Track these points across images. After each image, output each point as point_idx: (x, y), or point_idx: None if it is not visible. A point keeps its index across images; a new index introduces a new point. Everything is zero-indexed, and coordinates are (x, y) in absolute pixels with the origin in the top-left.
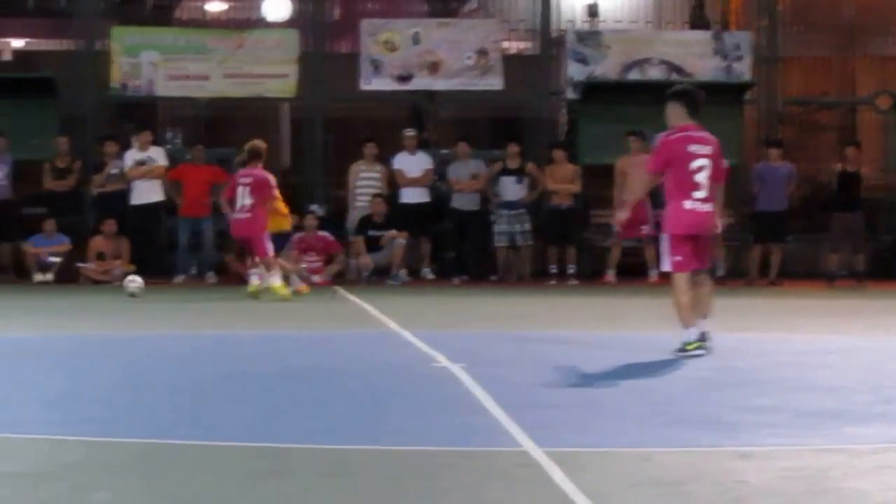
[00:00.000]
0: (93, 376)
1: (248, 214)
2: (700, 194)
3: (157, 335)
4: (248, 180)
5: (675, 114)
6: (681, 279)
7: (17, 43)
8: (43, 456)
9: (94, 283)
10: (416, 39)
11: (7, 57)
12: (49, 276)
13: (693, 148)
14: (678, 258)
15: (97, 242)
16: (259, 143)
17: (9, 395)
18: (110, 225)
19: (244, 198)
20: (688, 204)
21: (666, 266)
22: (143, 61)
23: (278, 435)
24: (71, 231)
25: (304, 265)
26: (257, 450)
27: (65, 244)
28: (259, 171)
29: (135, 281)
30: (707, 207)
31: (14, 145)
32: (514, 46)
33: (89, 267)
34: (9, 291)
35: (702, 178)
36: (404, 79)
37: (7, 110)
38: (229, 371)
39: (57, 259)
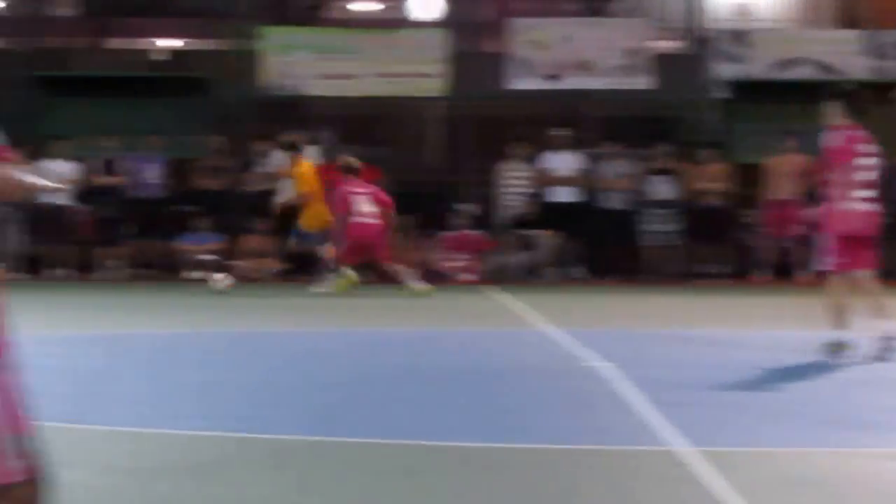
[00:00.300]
0: (241, 372)
1: (378, 221)
2: (863, 194)
3: (305, 332)
4: (366, 191)
5: (835, 113)
6: (836, 280)
7: (171, 43)
8: (191, 452)
9: (245, 280)
10: (565, 38)
11: (161, 56)
12: (201, 274)
13: (858, 147)
14: (836, 259)
15: (249, 241)
16: (354, 160)
17: (159, 390)
18: (264, 223)
19: (366, 205)
20: (850, 204)
21: (822, 265)
22: (294, 61)
23: (423, 433)
24: (223, 229)
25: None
26: (402, 447)
27: (217, 242)
28: (367, 184)
29: (220, 278)
30: (869, 207)
31: (167, 144)
32: (662, 45)
33: (241, 265)
34: (160, 288)
35: (865, 177)
36: (553, 78)
37: (161, 110)
38: (377, 369)
39: (209, 257)
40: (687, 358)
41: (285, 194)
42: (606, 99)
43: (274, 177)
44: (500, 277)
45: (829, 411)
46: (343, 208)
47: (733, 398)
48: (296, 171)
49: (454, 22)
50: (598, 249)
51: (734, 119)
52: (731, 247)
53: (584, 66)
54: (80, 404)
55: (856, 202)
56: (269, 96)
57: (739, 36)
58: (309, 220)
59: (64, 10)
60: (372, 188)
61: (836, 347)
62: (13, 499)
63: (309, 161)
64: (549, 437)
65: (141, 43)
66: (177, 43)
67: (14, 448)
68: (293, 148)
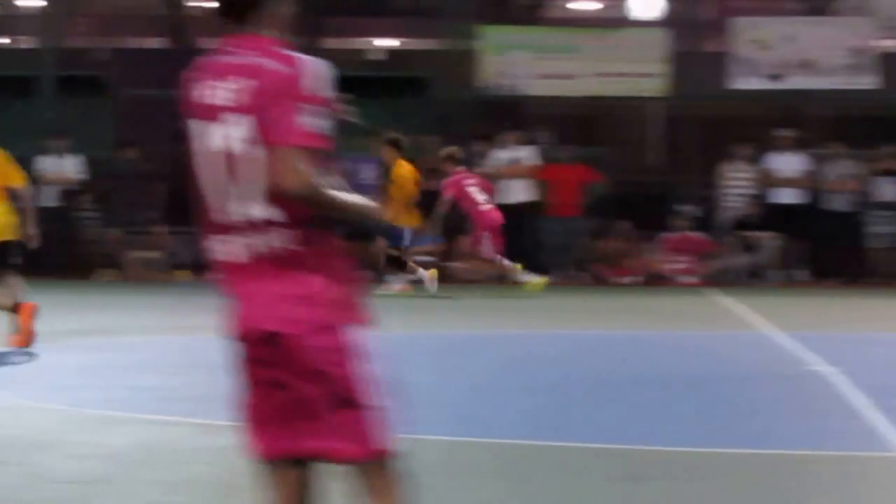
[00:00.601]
0: (457, 375)
1: (496, 206)
2: None
3: (522, 334)
4: (474, 181)
5: None
6: None
7: (389, 42)
8: (407, 455)
9: (464, 282)
10: (788, 38)
11: (378, 56)
12: (417, 276)
13: None
14: None
15: (467, 242)
16: (458, 151)
17: None
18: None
19: (480, 195)
20: None
21: None
22: (513, 60)
23: (646, 437)
24: (441, 230)
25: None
26: (624, 452)
27: (434, 244)
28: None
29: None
30: None
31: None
32: (888, 44)
33: (460, 266)
34: (372, 289)
35: None
36: (776, 77)
37: (377, 110)
38: (595, 372)
39: (429, 258)
40: None
41: (515, 195)
42: (831, 99)
43: (494, 177)
44: (721, 280)
45: None
46: (465, 199)
47: None
48: (397, 172)
49: (675, 21)
50: (822, 251)
51: None
52: None
53: (807, 66)
54: None
55: None
56: (487, 96)
57: None
58: (399, 218)
59: None
60: (474, 177)
61: None
62: (379, 470)
63: (408, 164)
64: (775, 441)
65: (358, 42)
66: (394, 42)
67: (383, 424)
68: (396, 145)
